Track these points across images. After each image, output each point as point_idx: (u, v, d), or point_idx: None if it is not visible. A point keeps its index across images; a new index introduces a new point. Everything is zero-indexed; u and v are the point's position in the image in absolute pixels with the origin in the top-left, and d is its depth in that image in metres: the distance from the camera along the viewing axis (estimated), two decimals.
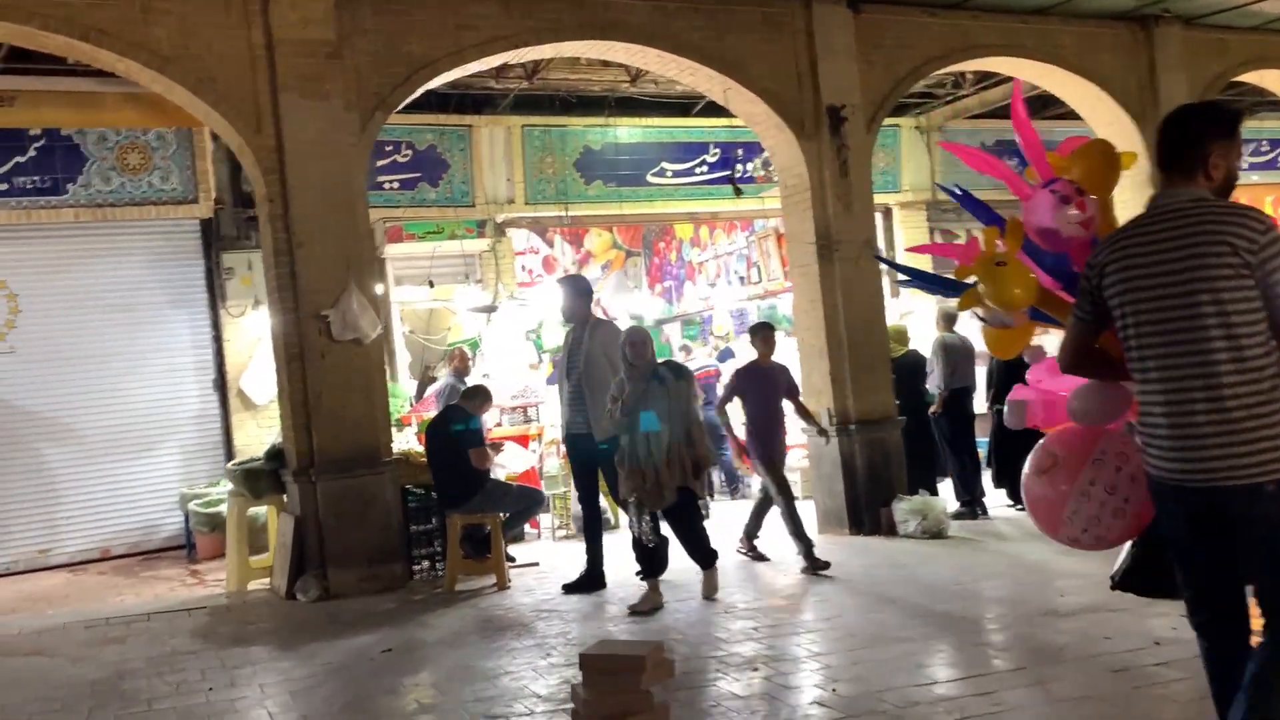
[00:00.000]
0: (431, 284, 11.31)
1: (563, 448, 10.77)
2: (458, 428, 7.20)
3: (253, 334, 10.29)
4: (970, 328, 10.41)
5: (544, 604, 6.70)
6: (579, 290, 7.39)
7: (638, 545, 6.42)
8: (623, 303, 20.05)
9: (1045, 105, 12.27)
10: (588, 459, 7.17)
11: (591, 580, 7.06)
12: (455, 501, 7.30)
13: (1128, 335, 3.02)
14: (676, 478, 6.21)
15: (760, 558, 7.92)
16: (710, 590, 6.54)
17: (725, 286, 18.25)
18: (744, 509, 11.72)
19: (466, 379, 9.92)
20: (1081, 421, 3.71)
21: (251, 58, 7.22)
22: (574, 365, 7.13)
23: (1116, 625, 5.31)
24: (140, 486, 10.01)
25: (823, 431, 8.59)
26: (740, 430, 8.13)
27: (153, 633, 6.33)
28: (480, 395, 7.71)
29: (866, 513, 9.03)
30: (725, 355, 15.88)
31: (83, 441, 9.88)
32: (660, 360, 6.64)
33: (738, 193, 9.82)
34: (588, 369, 7.00)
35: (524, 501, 7.49)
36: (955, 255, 4.29)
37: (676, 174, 12.69)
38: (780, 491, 7.68)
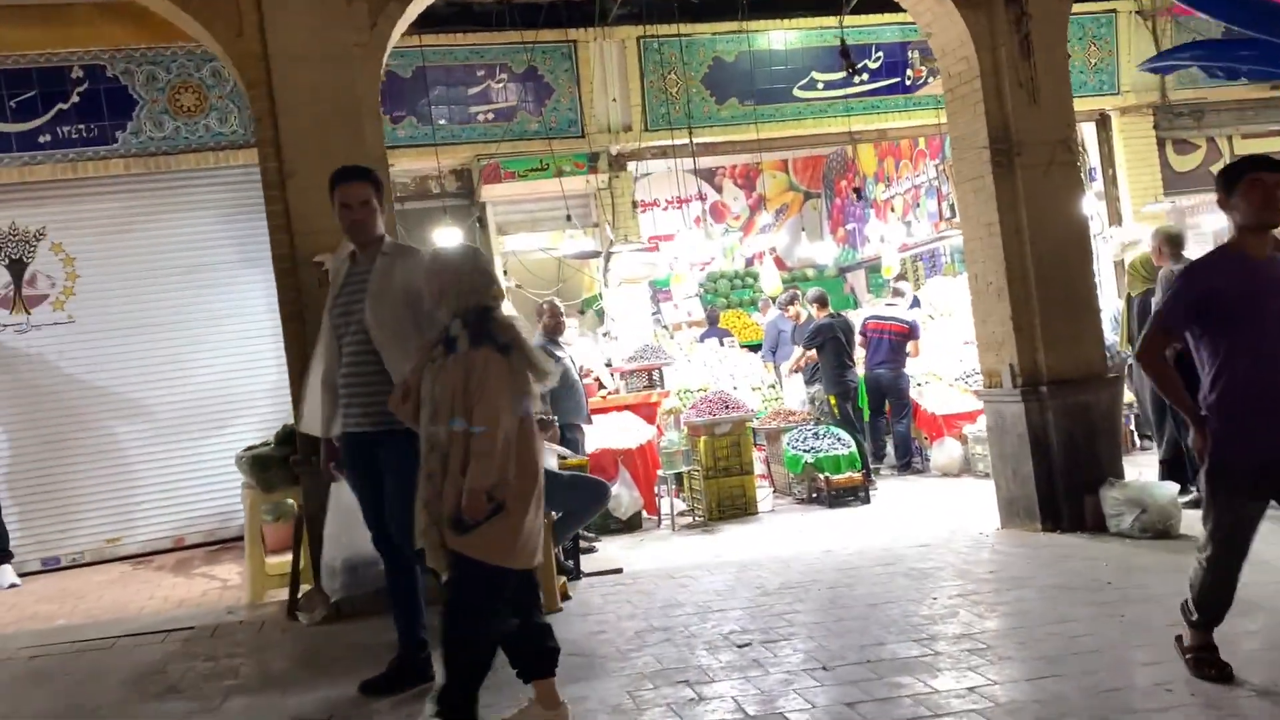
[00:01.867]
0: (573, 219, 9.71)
1: (684, 415, 9.05)
2: None
3: None
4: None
5: (589, 639, 4.97)
6: (366, 186, 4.38)
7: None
8: (800, 251, 18.03)
9: None
10: (372, 471, 4.27)
11: (403, 672, 4.40)
12: None
13: None
14: (435, 533, 3.49)
15: (1214, 669, 3.74)
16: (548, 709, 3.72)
17: (914, 224, 15.86)
18: (915, 487, 9.68)
19: (561, 339, 8.28)
20: None
21: None
22: (350, 315, 4.30)
23: None
24: (215, 468, 8.93)
25: None
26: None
27: (92, 670, 5.04)
28: None
29: (1065, 502, 6.81)
30: (909, 306, 13.63)
31: (153, 419, 8.91)
32: (481, 311, 3.48)
33: (850, 71, 7.75)
34: (377, 318, 4.19)
35: (580, 496, 5.75)
36: None
37: (830, 85, 10.53)
38: (1222, 535, 3.75)
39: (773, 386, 10.80)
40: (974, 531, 7.08)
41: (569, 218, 9.39)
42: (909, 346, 10.34)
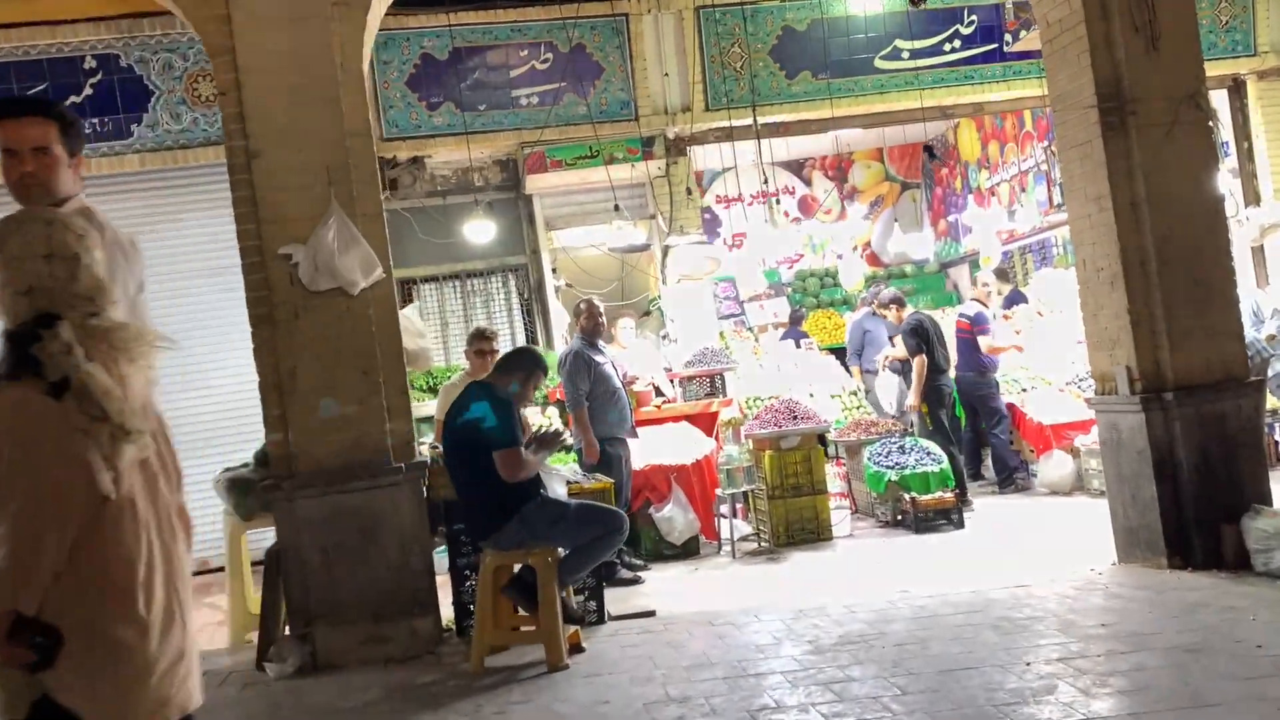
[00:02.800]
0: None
1: (746, 426, 8.06)
2: (469, 416, 4.61)
3: None
4: None
5: (586, 712, 4.02)
6: (44, 126, 2.93)
7: None
8: (893, 245, 16.76)
9: None
10: None
11: None
12: (482, 530, 4.78)
13: None
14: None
15: None
16: None
17: (1020, 211, 14.46)
18: (1018, 507, 8.36)
19: (600, 341, 7.35)
20: None
21: None
22: None
23: None
24: None
25: None
26: None
27: None
28: (522, 365, 5.00)
29: (1197, 533, 5.62)
30: (1014, 299, 12.39)
31: (175, 431, 8.29)
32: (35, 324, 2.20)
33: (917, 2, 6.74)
34: None
35: (589, 529, 4.78)
36: None
37: (917, 54, 9.39)
38: None
39: (854, 394, 9.69)
40: (1084, 567, 5.91)
41: (616, 208, 8.47)
42: (981, 343, 9.08)
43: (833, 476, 8.92)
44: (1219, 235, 5.86)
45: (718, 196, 17.18)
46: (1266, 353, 8.07)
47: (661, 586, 6.70)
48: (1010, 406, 9.28)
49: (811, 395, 9.65)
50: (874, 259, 16.94)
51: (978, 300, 9.48)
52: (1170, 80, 5.74)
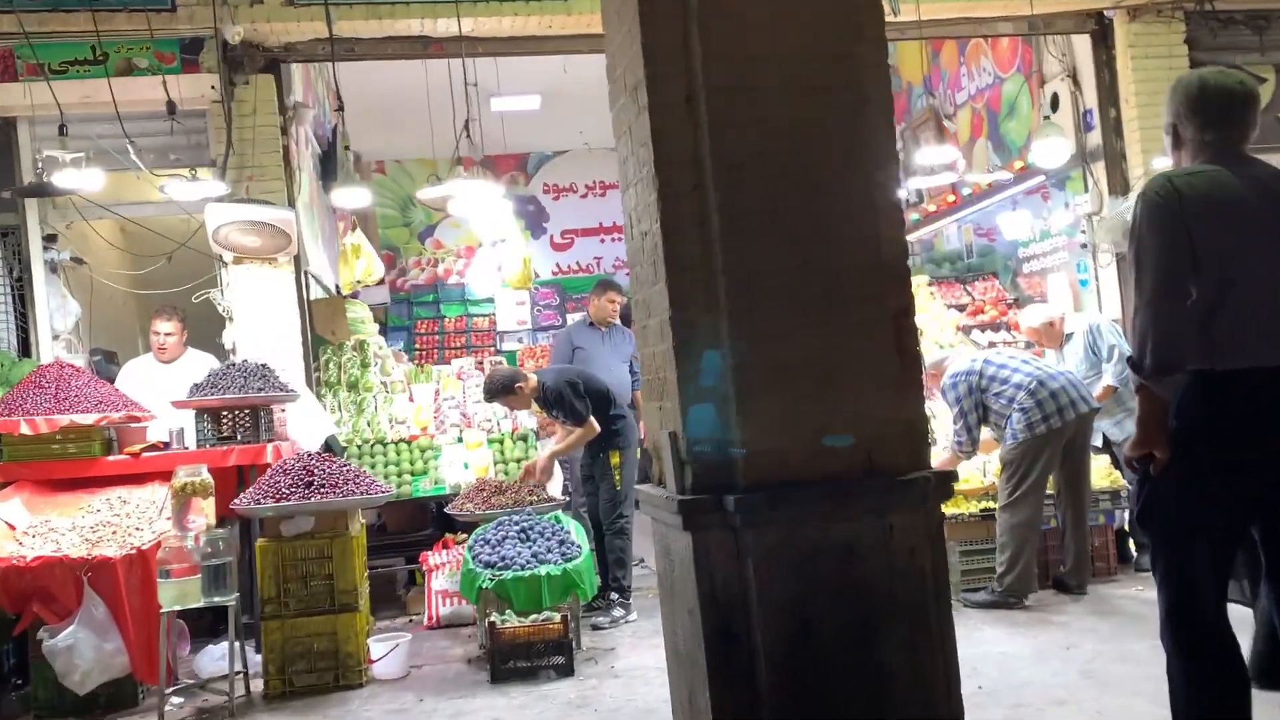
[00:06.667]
0: None
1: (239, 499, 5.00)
2: None
3: None
4: None
5: None
6: None
7: None
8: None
9: None
10: None
11: None
12: None
13: None
14: None
15: None
16: None
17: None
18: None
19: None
20: None
21: None
22: None
23: None
24: None
25: None
26: None
27: None
28: None
29: None
30: None
31: None
32: None
33: None
34: None
35: None
36: None
37: None
38: None
39: (524, 439, 6.69)
40: None
41: (62, 129, 5.33)
42: None
43: (449, 569, 5.95)
44: (866, 172, 2.85)
45: (545, 185, 14.40)
46: (1082, 407, 5.09)
47: None
48: None
49: (460, 440, 6.66)
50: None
51: None
52: None
